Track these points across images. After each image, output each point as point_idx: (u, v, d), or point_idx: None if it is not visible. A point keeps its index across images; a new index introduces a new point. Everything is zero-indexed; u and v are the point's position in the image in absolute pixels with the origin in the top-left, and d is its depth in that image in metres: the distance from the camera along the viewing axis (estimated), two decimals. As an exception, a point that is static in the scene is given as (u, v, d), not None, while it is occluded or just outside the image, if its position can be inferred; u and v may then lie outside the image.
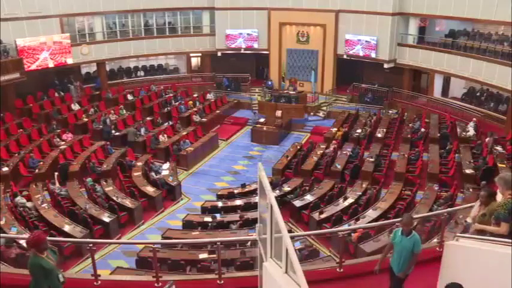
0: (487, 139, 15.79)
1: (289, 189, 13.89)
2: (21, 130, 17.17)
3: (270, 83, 23.48)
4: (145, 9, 22.49)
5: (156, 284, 5.50)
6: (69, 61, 20.14)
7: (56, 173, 14.29)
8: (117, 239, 11.86)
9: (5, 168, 14.10)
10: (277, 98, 21.59)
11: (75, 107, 19.72)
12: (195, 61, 25.49)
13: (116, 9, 21.55)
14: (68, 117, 18.67)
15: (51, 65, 19.52)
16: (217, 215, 12.15)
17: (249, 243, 10.03)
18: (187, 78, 24.87)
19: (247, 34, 23.41)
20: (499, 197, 4.89)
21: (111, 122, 18.54)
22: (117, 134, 17.96)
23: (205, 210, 12.93)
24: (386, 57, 21.11)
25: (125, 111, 19.83)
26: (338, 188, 13.88)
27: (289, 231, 10.27)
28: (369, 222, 11.24)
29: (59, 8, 19.34)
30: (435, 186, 13.69)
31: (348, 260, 6.14)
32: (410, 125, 18.81)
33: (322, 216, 12.04)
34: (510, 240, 3.93)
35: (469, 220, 5.17)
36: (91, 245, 5.84)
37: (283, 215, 5.03)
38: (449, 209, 9.23)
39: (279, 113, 20.05)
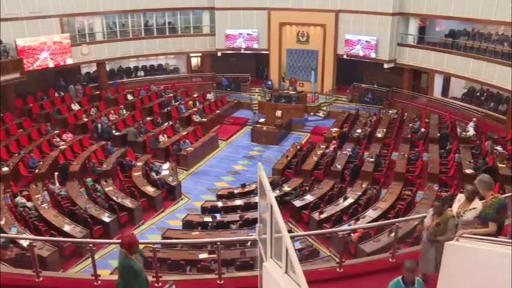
0: (486, 143, 15.79)
1: (289, 189, 13.88)
2: (21, 130, 17.17)
3: (270, 83, 23.48)
4: (145, 9, 22.49)
5: (156, 284, 5.51)
6: (69, 61, 20.14)
7: (56, 173, 14.30)
8: (117, 239, 11.85)
9: (5, 168, 14.10)
10: (277, 98, 21.59)
11: (75, 107, 19.72)
12: (195, 61, 25.50)
13: (116, 9, 21.55)
14: (68, 117, 18.67)
15: (51, 65, 19.52)
16: (217, 215, 12.15)
17: (249, 243, 10.03)
18: (187, 78, 24.88)
19: (247, 34, 23.41)
20: (456, 206, 5.15)
21: (111, 122, 18.57)
22: (117, 134, 17.97)
23: (205, 210, 12.92)
24: (386, 57, 21.11)
25: (125, 111, 19.84)
26: (338, 188, 13.88)
27: (289, 231, 10.27)
28: (369, 222, 11.24)
29: (59, 8, 19.34)
30: (435, 186, 13.69)
31: (348, 260, 6.13)
32: (410, 125, 18.81)
33: (322, 216, 12.04)
34: (510, 240, 3.93)
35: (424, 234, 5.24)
36: (91, 245, 5.84)
37: (283, 215, 5.03)
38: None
39: (279, 113, 20.05)
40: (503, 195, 5.29)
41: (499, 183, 12.69)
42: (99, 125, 18.02)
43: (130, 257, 4.41)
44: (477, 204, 5.11)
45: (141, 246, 10.29)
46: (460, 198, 5.31)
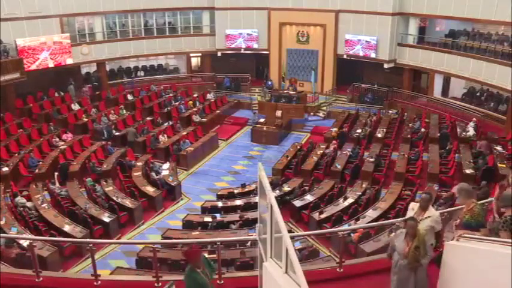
0: (479, 143, 15.73)
1: (289, 189, 13.87)
2: (21, 130, 17.16)
3: (270, 83, 23.48)
4: (145, 9, 22.49)
5: (156, 284, 5.50)
6: (69, 61, 20.14)
7: (56, 173, 14.30)
8: (117, 239, 11.86)
9: (5, 168, 14.09)
10: (277, 98, 21.58)
11: (75, 107, 19.71)
12: (195, 61, 25.50)
13: (116, 9, 21.55)
14: (68, 117, 18.67)
15: (51, 65, 19.52)
16: (217, 215, 12.15)
17: (249, 243, 10.03)
18: (187, 78, 24.88)
19: (247, 34, 23.41)
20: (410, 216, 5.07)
21: (111, 122, 18.57)
22: (117, 134, 17.96)
23: (205, 210, 12.92)
24: (386, 57, 21.11)
25: (125, 111, 19.84)
26: (338, 188, 13.87)
27: (289, 231, 10.26)
28: (369, 222, 11.24)
29: (59, 8, 19.34)
30: (435, 186, 13.68)
31: (348, 260, 6.13)
32: (410, 125, 18.80)
33: (322, 216, 12.03)
34: (510, 240, 3.93)
35: (395, 257, 4.77)
36: (91, 245, 5.84)
37: (283, 215, 5.03)
38: (449, 209, 9.22)
39: (279, 113, 20.05)
40: (480, 201, 5.31)
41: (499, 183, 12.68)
42: (105, 131, 17.76)
43: (195, 269, 4.33)
44: (431, 212, 5.13)
45: (140, 246, 10.38)
46: (414, 206, 5.28)
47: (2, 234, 9.84)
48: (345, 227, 10.81)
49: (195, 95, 22.55)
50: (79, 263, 10.58)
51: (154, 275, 5.59)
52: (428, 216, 5.08)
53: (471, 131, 17.14)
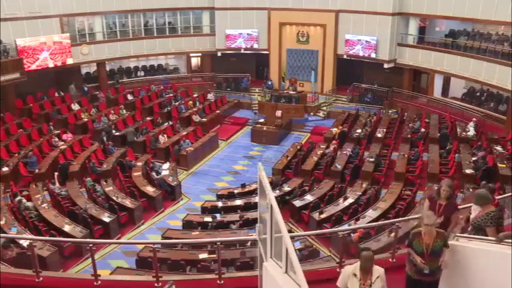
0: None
1: (289, 189, 13.87)
2: (21, 130, 17.16)
3: (270, 83, 23.48)
4: (145, 9, 22.49)
5: (156, 284, 5.51)
6: (69, 61, 20.14)
7: (56, 173, 14.30)
8: (117, 239, 11.86)
9: (5, 168, 14.10)
10: (277, 98, 21.59)
11: (75, 107, 19.71)
12: (195, 61, 25.51)
13: (116, 9, 21.55)
14: (68, 117, 18.66)
15: (51, 65, 19.51)
16: (217, 215, 12.15)
17: (249, 243, 10.03)
18: (187, 78, 24.88)
19: (247, 34, 23.41)
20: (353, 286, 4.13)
21: (111, 122, 18.57)
22: (117, 134, 17.96)
23: (205, 210, 12.92)
24: (386, 57, 21.11)
25: (125, 111, 19.84)
26: (338, 188, 13.87)
27: (289, 231, 10.27)
28: (369, 222, 11.24)
29: (59, 8, 19.34)
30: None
31: (348, 260, 6.13)
32: (410, 125, 18.79)
33: (322, 216, 12.03)
34: (510, 241, 3.93)
35: None
36: (91, 245, 5.84)
37: (283, 215, 5.03)
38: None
39: (279, 113, 20.04)
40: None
41: (499, 183, 12.70)
42: (105, 136, 17.37)
43: None
44: (378, 271, 4.15)
45: (140, 247, 10.39)
46: (354, 271, 4.13)
47: (2, 234, 9.84)
48: (345, 227, 10.82)
49: (195, 95, 22.55)
50: (79, 263, 10.57)
51: (154, 275, 5.59)
52: (377, 277, 4.13)
53: (471, 131, 17.14)
